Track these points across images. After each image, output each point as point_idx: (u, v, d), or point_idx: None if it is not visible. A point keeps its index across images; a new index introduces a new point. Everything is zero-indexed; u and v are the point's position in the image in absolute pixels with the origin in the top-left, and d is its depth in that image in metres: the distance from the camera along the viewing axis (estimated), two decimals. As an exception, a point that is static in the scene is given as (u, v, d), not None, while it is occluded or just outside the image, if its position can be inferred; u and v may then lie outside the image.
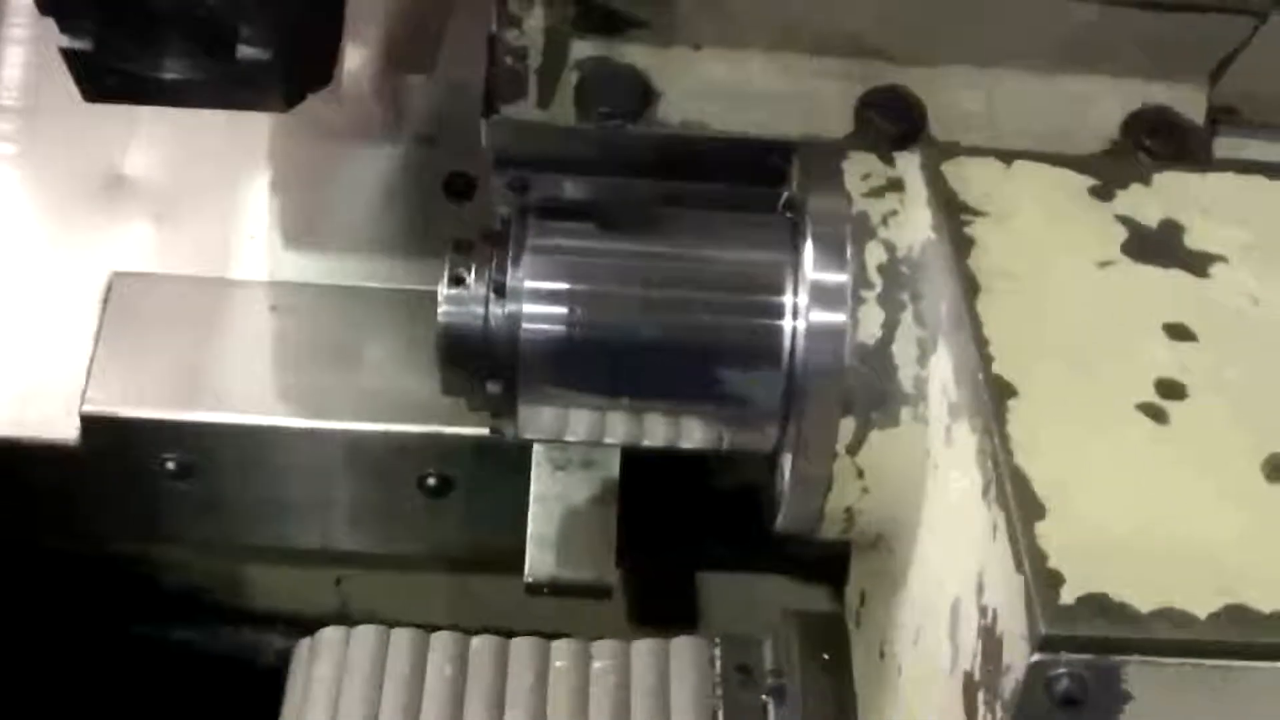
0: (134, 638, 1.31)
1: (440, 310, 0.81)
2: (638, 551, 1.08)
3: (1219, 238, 0.74)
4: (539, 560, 1.02)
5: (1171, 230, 0.74)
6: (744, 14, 0.90)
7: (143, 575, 1.28)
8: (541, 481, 1.06)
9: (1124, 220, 0.74)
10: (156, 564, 1.27)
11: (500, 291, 0.78)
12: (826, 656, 0.89)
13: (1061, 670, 0.58)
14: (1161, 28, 0.89)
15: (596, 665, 0.95)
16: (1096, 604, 0.58)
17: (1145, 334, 0.69)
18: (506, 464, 1.08)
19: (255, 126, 1.17)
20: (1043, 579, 0.59)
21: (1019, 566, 0.60)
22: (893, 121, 0.91)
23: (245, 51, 0.83)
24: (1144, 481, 0.63)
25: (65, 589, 1.27)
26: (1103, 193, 0.76)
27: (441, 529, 1.13)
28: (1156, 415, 0.66)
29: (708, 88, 0.91)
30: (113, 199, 1.16)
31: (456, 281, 0.80)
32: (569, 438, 0.84)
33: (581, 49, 0.91)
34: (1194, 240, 0.74)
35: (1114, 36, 0.90)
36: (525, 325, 0.79)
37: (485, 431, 1.02)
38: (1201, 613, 0.59)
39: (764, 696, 0.91)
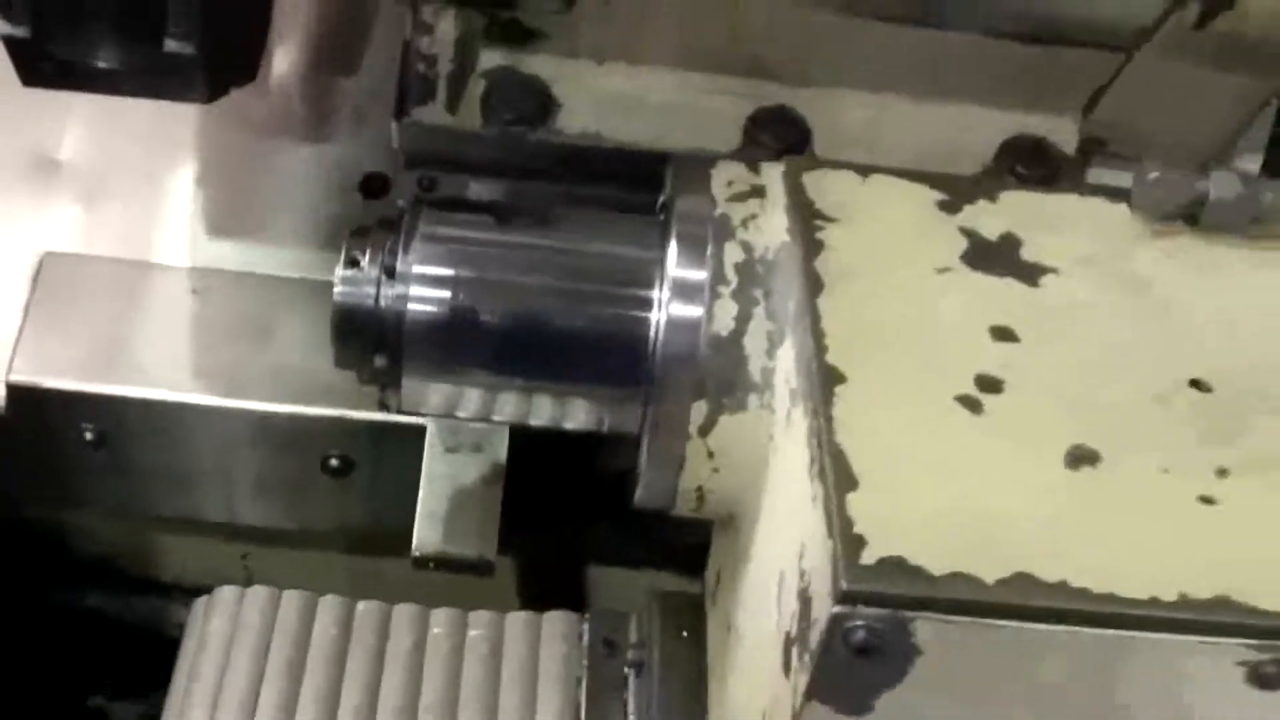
0: (49, 604, 1.35)
1: (335, 290, 0.85)
2: (523, 533, 1.13)
3: (1054, 251, 0.79)
4: (426, 536, 1.07)
5: (1010, 242, 0.80)
6: (643, 31, 0.95)
7: (58, 542, 1.31)
8: (432, 462, 1.10)
9: (966, 231, 0.80)
10: (71, 531, 1.31)
11: (390, 274, 0.83)
12: (685, 634, 0.94)
13: (859, 623, 0.63)
14: (1035, 60, 0.93)
15: (472, 633, 0.99)
16: (894, 565, 0.63)
17: (971, 334, 0.74)
18: (405, 447, 1.11)
19: (183, 116, 1.20)
20: (848, 542, 0.63)
21: (830, 532, 0.64)
22: (778, 139, 0.96)
23: (170, 45, 0.87)
24: (953, 464, 0.68)
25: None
26: (950, 206, 0.81)
27: (342, 508, 1.17)
28: (973, 406, 0.71)
29: (605, 99, 0.97)
30: (45, 182, 1.20)
31: (352, 264, 0.85)
32: (450, 412, 0.88)
33: (489, 58, 0.96)
34: (1030, 253, 0.79)
35: (990, 67, 0.95)
36: (411, 306, 0.84)
37: (386, 416, 1.09)
38: (990, 579, 0.64)
39: (626, 669, 0.96)
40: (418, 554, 1.06)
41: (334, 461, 1.14)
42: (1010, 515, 0.66)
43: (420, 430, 1.10)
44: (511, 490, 1.10)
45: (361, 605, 1.02)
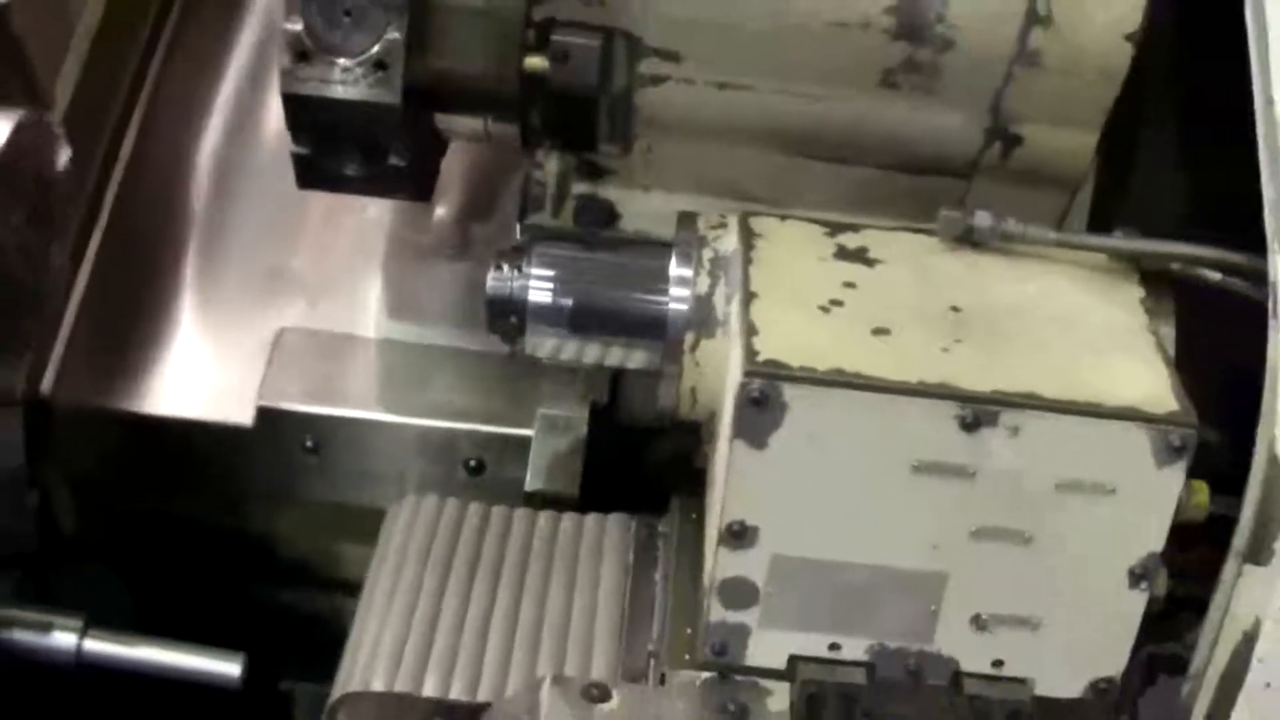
0: (251, 599, 1.92)
1: (488, 282, 1.63)
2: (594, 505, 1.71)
3: (887, 254, 1.48)
4: (534, 479, 1.81)
5: (862, 249, 1.44)
6: (670, 172, 1.56)
7: (263, 547, 1.89)
8: (539, 441, 1.91)
9: (838, 244, 1.50)
10: (274, 538, 1.90)
11: (519, 272, 1.71)
12: (694, 517, 1.74)
13: (753, 384, 1.47)
14: (911, 184, 1.55)
15: (563, 524, 1.78)
16: (771, 361, 1.46)
17: (831, 284, 1.52)
18: (517, 452, 1.83)
19: (372, 240, 1.92)
20: (749, 354, 1.48)
21: (743, 352, 1.49)
22: None
23: (393, 159, 1.50)
24: (809, 331, 1.43)
25: (197, 554, 1.90)
26: (831, 233, 1.50)
27: (476, 497, 1.72)
28: (825, 310, 1.49)
29: (648, 213, 1.59)
30: (283, 282, 1.95)
31: (498, 268, 1.72)
32: (552, 356, 1.73)
33: (579, 186, 1.59)
34: (872, 254, 1.50)
35: (883, 189, 1.56)
36: (530, 291, 1.70)
37: (506, 429, 1.90)
38: (820, 369, 1.48)
39: (658, 543, 1.77)
40: (528, 490, 1.82)
41: (472, 463, 1.84)
42: (835, 351, 1.47)
43: (526, 440, 1.81)
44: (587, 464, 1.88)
45: (494, 509, 1.78)
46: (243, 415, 1.82)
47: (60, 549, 1.79)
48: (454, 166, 1.87)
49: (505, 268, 1.58)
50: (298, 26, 1.46)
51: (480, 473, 1.82)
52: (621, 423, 1.81)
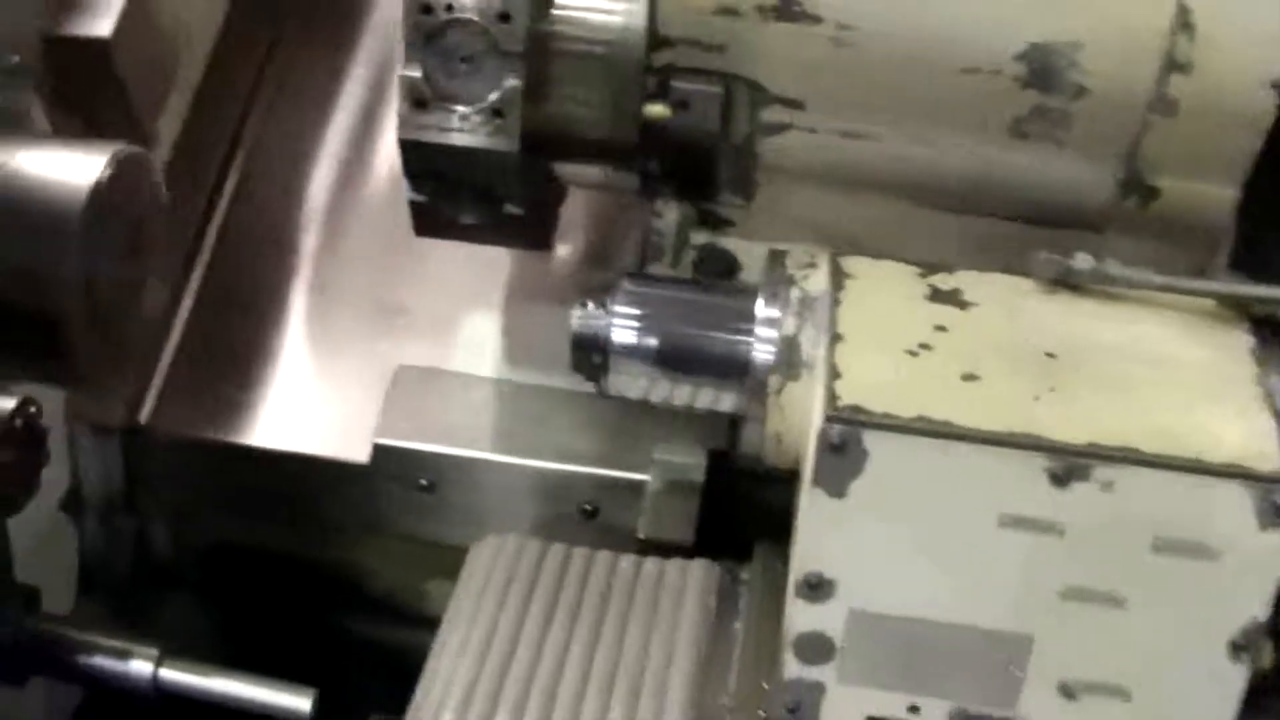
0: (337, 630, 1.95)
1: (574, 319, 1.64)
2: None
3: (981, 296, 1.47)
4: (648, 524, 1.78)
5: (955, 291, 1.41)
6: (786, 224, 1.59)
7: (352, 580, 1.93)
8: (654, 485, 1.83)
9: (930, 285, 1.53)
10: (364, 571, 1.93)
11: (604, 309, 1.74)
12: (779, 565, 1.65)
13: (834, 429, 1.48)
14: (1038, 236, 1.53)
15: (646, 567, 1.79)
16: (852, 406, 1.48)
17: (922, 326, 1.57)
18: (634, 497, 1.83)
19: (487, 283, 1.95)
20: (830, 397, 1.50)
21: (824, 398, 1.51)
22: None
23: (508, 208, 1.53)
24: (897, 374, 1.49)
25: (291, 585, 1.94)
26: (923, 274, 1.52)
27: (592, 542, 1.73)
28: (913, 354, 1.52)
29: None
30: (402, 321, 1.96)
31: (583, 305, 1.75)
32: (639, 396, 1.77)
33: (698, 236, 1.63)
34: (966, 296, 1.53)
35: (1007, 243, 1.55)
36: (614, 330, 1.73)
37: (623, 473, 1.89)
38: (905, 416, 1.48)
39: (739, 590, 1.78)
40: (641, 535, 1.77)
41: (587, 507, 1.82)
42: (921, 397, 1.49)
43: (642, 485, 1.78)
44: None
45: (576, 550, 1.73)
46: (357, 451, 1.84)
47: (154, 575, 1.89)
48: (577, 211, 1.90)
49: (590, 305, 1.60)
50: (416, 74, 1.50)
51: (595, 517, 1.83)
52: (740, 468, 1.73)
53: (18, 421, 1.44)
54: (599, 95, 1.52)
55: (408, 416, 1.85)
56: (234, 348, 1.94)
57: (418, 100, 1.51)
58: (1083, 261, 1.50)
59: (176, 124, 1.91)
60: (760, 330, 1.52)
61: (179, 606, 1.95)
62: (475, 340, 1.92)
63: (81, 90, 1.71)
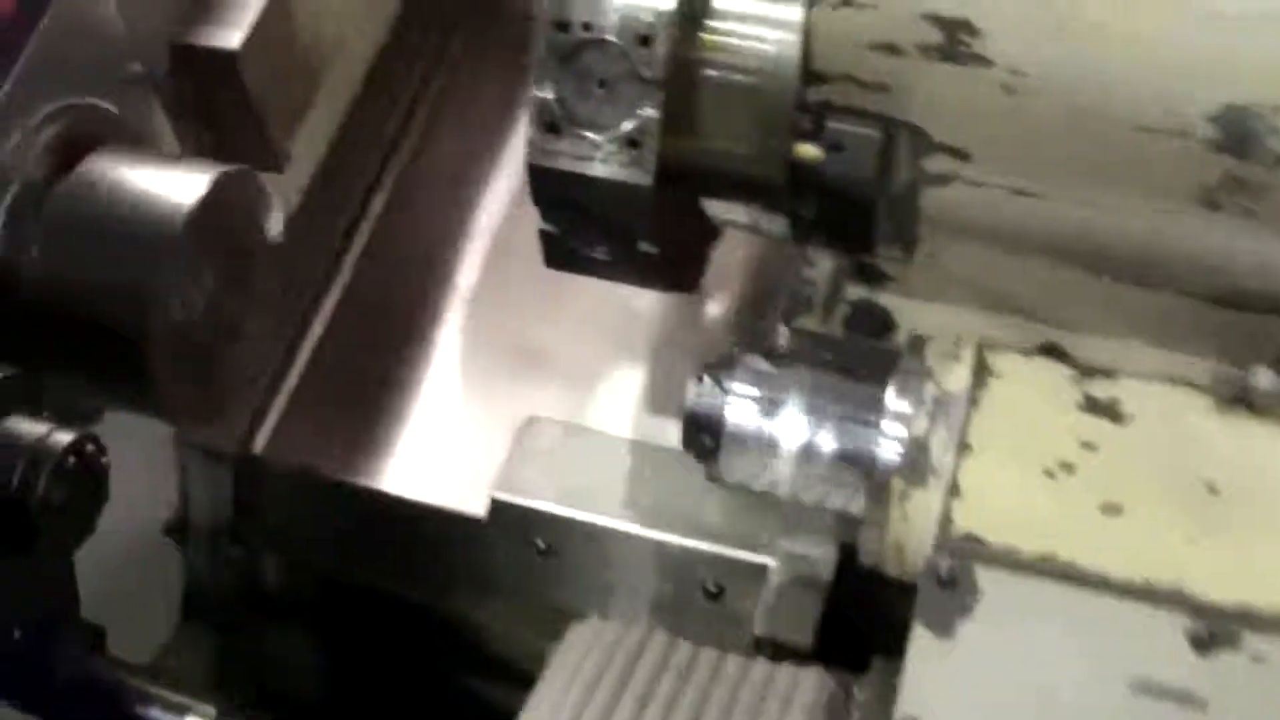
0: (452, 691, 1.90)
1: (687, 395, 1.55)
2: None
3: (1143, 409, 1.41)
4: (764, 623, 1.71)
5: (1113, 401, 1.31)
6: (952, 283, 1.48)
7: (469, 639, 1.87)
8: (776, 578, 1.79)
9: (1085, 393, 1.38)
10: (487, 632, 1.86)
11: (720, 387, 1.62)
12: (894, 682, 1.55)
13: (943, 563, 1.33)
14: (1226, 321, 1.39)
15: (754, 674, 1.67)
16: (969, 536, 1.34)
17: (1065, 443, 1.42)
18: (760, 583, 1.70)
19: (626, 329, 1.90)
20: (944, 522, 1.35)
21: (938, 521, 1.36)
22: None
23: (642, 245, 1.45)
24: (1027, 500, 1.36)
25: (399, 632, 1.88)
26: (1078, 379, 1.41)
27: (716, 626, 1.69)
28: (1049, 475, 1.39)
29: (926, 326, 1.49)
30: (535, 365, 1.94)
31: (699, 380, 1.63)
32: (748, 484, 1.64)
33: (852, 290, 1.52)
34: (1125, 408, 1.44)
35: (1198, 324, 1.41)
36: (728, 410, 1.62)
37: (754, 555, 1.77)
38: (1027, 552, 1.33)
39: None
40: (757, 634, 1.65)
41: (711, 587, 1.71)
42: (1051, 529, 1.35)
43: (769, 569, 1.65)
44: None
45: (680, 642, 1.60)
46: (475, 504, 1.77)
47: (262, 607, 1.85)
48: (736, 255, 1.83)
49: (707, 380, 1.50)
50: (548, 95, 1.43)
51: (719, 599, 1.72)
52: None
53: (70, 460, 1.36)
54: (745, 130, 1.43)
55: (530, 472, 1.77)
56: (361, 380, 1.89)
57: (549, 124, 1.44)
58: (1265, 379, 1.35)
59: (322, 142, 1.93)
60: (887, 425, 1.39)
61: (286, 641, 1.92)
62: (613, 393, 1.84)
63: (209, 104, 1.68)
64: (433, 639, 1.88)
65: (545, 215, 1.49)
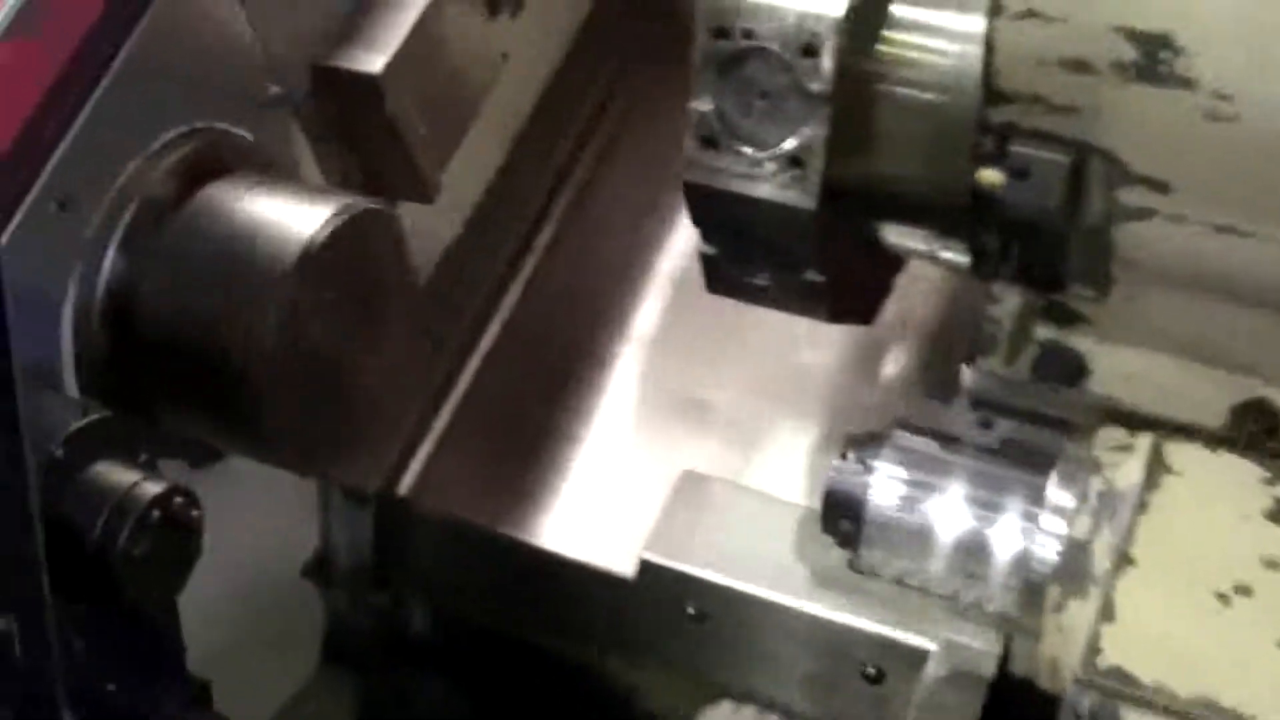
0: None
1: (829, 472, 1.46)
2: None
3: None
4: (917, 716, 1.55)
5: None
6: (1155, 327, 1.37)
7: (622, 698, 1.79)
8: (934, 670, 1.60)
9: (1276, 498, 1.30)
10: (633, 688, 1.79)
11: (864, 467, 1.46)
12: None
13: (1083, 698, 1.15)
14: None
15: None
16: (1116, 671, 1.16)
17: (1243, 560, 1.24)
18: (920, 666, 1.56)
19: (810, 381, 1.81)
20: (1090, 651, 1.17)
21: (1083, 650, 1.18)
22: (1257, 423, 1.34)
23: (808, 274, 1.39)
24: (1187, 631, 1.17)
25: (547, 687, 1.82)
26: (1271, 481, 1.28)
27: (869, 708, 1.60)
28: (1224, 600, 1.21)
29: (1124, 374, 1.39)
30: (697, 418, 1.83)
31: (843, 458, 1.48)
32: (892, 576, 1.47)
33: (1042, 330, 1.42)
34: None
35: None
36: (871, 494, 1.45)
37: (915, 640, 1.60)
38: (1182, 695, 1.15)
39: None
40: None
41: (870, 670, 1.59)
42: (1214, 667, 1.15)
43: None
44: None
45: None
46: (624, 563, 1.68)
47: (409, 654, 1.81)
48: (914, 294, 1.72)
49: (850, 458, 1.34)
50: (706, 107, 1.35)
51: (879, 683, 1.61)
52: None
53: (155, 514, 1.29)
54: (919, 152, 1.33)
55: (682, 532, 1.68)
56: (515, 422, 1.82)
57: (707, 138, 1.35)
58: None
59: (486, 171, 1.85)
60: (1046, 521, 1.20)
61: (427, 687, 1.86)
62: (779, 451, 1.75)
63: (353, 130, 1.61)
64: (577, 696, 1.80)
65: (705, 237, 1.42)
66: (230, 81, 1.43)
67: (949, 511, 1.34)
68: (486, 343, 1.85)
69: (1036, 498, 1.29)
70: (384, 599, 1.81)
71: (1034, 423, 1.46)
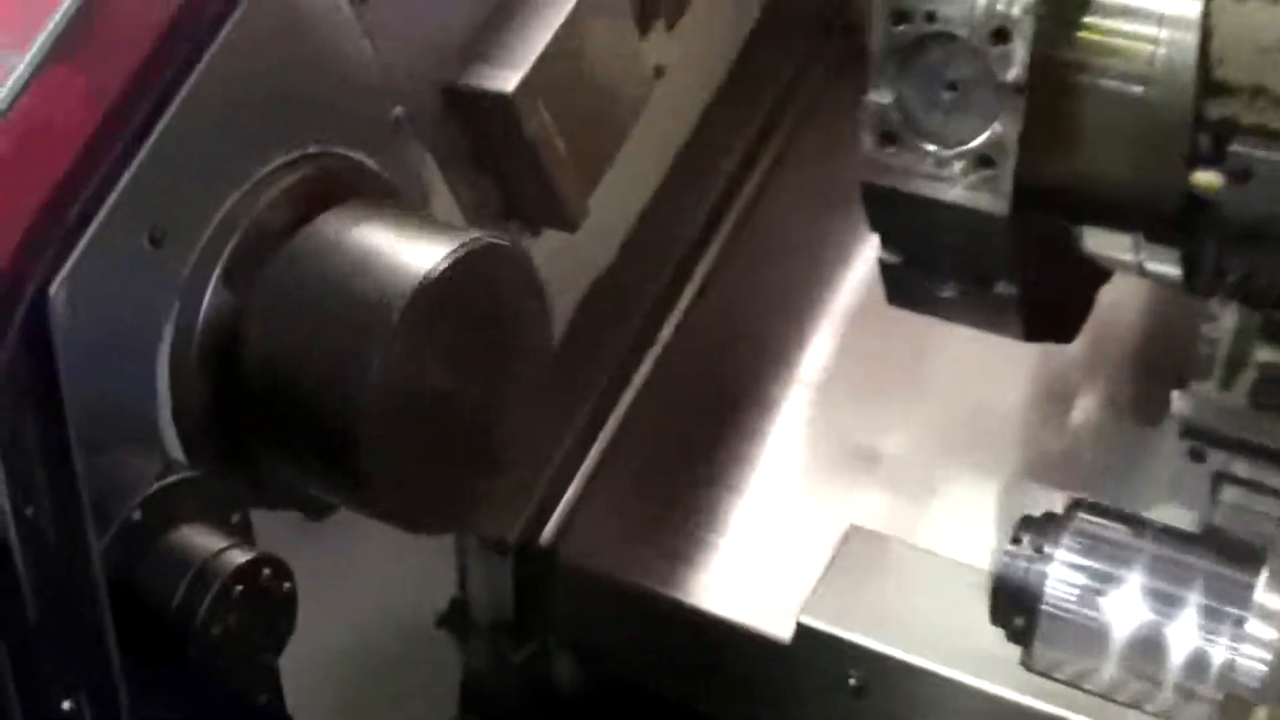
0: None
1: (1000, 558, 1.27)
2: None
3: None
4: None
5: None
6: None
7: None
8: None
9: None
10: None
11: (1039, 553, 1.26)
12: None
13: None
14: None
15: None
16: None
17: None
18: None
19: (988, 421, 1.63)
20: None
21: None
22: None
23: (999, 288, 1.28)
24: None
25: None
26: None
27: None
28: None
29: None
30: (865, 468, 1.67)
31: (1015, 541, 1.28)
32: (1071, 680, 1.27)
33: (1262, 352, 1.29)
34: None
35: None
36: (1047, 585, 1.26)
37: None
38: None
39: None
40: None
41: None
42: None
43: None
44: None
45: None
46: (782, 626, 1.56)
47: (544, 706, 1.72)
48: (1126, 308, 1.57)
49: (1025, 542, 1.23)
50: (885, 100, 1.23)
51: None
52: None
53: (237, 588, 1.18)
54: (1125, 150, 1.21)
55: (846, 594, 1.55)
56: (666, 468, 1.71)
57: (886, 134, 1.24)
58: None
59: (640, 195, 1.73)
60: (1253, 628, 1.00)
61: None
62: (954, 503, 1.60)
63: (487, 153, 1.48)
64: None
65: (885, 243, 1.31)
66: (346, 101, 1.31)
67: (1136, 610, 1.16)
68: (638, 381, 1.73)
69: (1243, 597, 1.07)
70: (526, 653, 1.72)
71: (1251, 456, 1.32)
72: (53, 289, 1.08)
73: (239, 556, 1.18)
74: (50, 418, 1.06)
